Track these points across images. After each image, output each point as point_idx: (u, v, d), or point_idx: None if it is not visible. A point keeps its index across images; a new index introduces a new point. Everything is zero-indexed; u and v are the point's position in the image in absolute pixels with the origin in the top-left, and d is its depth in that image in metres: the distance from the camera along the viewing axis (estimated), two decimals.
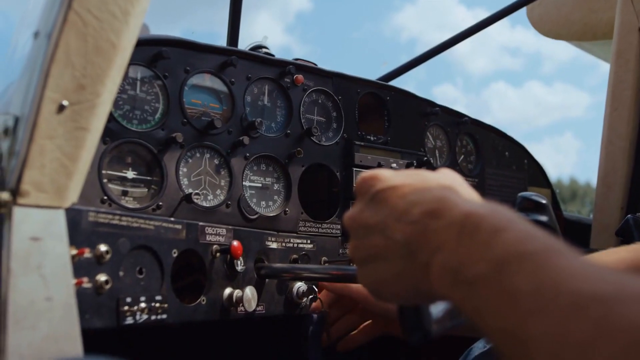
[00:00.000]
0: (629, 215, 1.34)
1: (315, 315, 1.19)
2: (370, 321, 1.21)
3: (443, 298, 0.65)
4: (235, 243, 1.14)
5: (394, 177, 0.71)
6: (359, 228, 0.71)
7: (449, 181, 0.71)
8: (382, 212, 0.68)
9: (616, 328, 0.42)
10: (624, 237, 1.38)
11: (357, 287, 1.15)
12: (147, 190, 1.19)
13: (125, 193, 1.16)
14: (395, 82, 1.73)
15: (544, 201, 1.03)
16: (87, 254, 0.90)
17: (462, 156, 1.88)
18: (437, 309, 0.82)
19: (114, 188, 1.14)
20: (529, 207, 1.04)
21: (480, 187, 1.89)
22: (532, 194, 1.06)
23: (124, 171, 1.16)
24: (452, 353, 1.26)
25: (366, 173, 0.74)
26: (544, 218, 1.01)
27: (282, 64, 1.44)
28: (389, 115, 1.67)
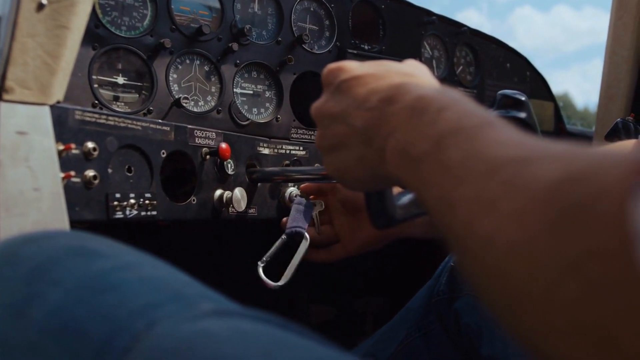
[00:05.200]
0: (618, 119, 1.34)
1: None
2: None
3: (397, 180, 0.68)
4: (223, 145, 1.17)
5: (358, 67, 0.73)
6: (323, 118, 0.74)
7: (411, 70, 0.73)
8: (344, 102, 0.71)
9: (520, 187, 0.43)
10: (612, 141, 1.39)
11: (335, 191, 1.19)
12: (138, 95, 1.22)
13: (116, 98, 1.19)
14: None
15: (523, 98, 1.04)
16: (75, 150, 0.94)
17: (461, 67, 1.87)
18: (404, 197, 0.86)
19: (105, 93, 1.18)
20: (507, 104, 1.05)
21: (479, 98, 1.88)
22: (512, 92, 1.07)
23: (115, 77, 1.19)
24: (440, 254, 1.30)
25: (332, 65, 0.76)
26: (522, 115, 1.02)
27: None
28: (384, 24, 1.65)
